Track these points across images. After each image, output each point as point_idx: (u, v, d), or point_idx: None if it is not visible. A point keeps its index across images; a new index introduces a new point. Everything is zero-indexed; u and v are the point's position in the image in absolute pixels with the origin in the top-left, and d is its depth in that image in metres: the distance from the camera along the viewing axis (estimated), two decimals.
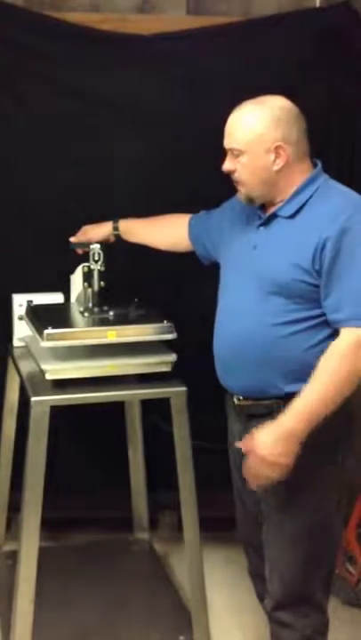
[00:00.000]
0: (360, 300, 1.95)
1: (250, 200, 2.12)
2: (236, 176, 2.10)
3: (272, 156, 2.03)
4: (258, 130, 2.03)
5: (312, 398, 1.96)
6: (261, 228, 2.13)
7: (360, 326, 1.95)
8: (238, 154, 2.06)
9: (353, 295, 1.96)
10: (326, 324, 2.02)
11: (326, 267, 1.96)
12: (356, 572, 2.90)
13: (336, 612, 2.40)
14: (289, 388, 2.06)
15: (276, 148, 2.02)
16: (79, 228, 2.65)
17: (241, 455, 2.21)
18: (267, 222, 2.12)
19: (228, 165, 2.10)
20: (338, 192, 2.07)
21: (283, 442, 1.95)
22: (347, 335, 1.96)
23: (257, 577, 2.32)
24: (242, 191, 2.11)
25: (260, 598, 2.34)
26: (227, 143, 2.09)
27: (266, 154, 2.03)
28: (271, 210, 2.12)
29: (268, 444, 1.96)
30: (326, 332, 2.03)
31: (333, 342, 1.98)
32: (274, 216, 2.11)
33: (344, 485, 2.16)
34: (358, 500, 2.95)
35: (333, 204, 2.01)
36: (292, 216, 2.06)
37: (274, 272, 2.03)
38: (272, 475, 1.98)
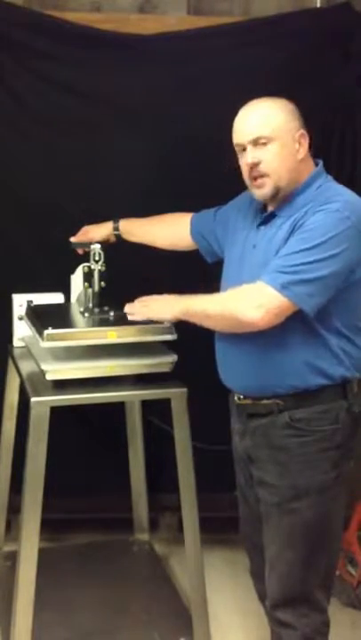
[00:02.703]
0: (288, 269, 1.95)
1: (276, 191, 2.07)
2: (260, 168, 2.06)
3: (296, 145, 2.05)
4: (284, 117, 2.05)
5: (204, 303, 2.10)
6: (261, 227, 2.13)
7: (269, 285, 1.96)
8: (266, 142, 2.04)
9: (286, 262, 1.96)
10: (325, 322, 2.02)
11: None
12: (357, 574, 2.89)
13: (337, 613, 2.40)
14: (288, 387, 2.06)
15: (301, 135, 2.05)
16: (79, 228, 2.65)
17: (244, 454, 2.21)
18: (266, 221, 2.12)
19: (253, 157, 2.05)
20: (336, 192, 2.07)
21: (170, 304, 2.18)
22: (255, 285, 1.99)
23: (258, 577, 2.31)
24: (267, 183, 2.06)
25: (261, 598, 2.33)
26: (249, 135, 2.05)
27: (292, 142, 2.05)
28: (271, 209, 2.12)
29: (166, 300, 2.21)
30: (325, 330, 2.02)
31: (247, 285, 2.02)
32: (273, 215, 2.11)
33: (344, 486, 2.15)
34: (359, 502, 2.94)
35: (323, 197, 2.02)
36: (290, 216, 2.06)
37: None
38: (144, 312, 2.24)
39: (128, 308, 2.29)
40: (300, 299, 1.95)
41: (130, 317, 2.28)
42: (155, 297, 2.26)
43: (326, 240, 1.94)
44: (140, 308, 2.26)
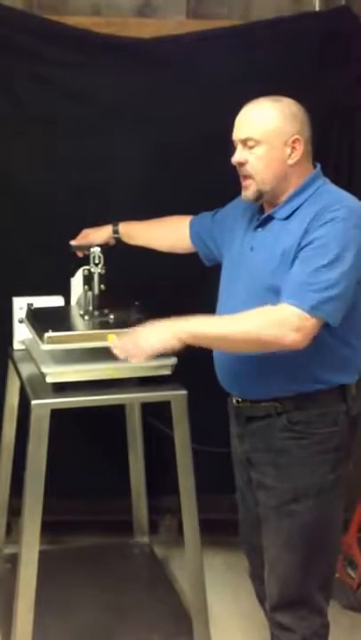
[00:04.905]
0: (313, 287, 1.93)
1: (258, 195, 2.08)
2: (246, 168, 2.07)
3: (288, 150, 2.04)
4: (277, 121, 2.03)
5: (220, 326, 1.99)
6: (259, 229, 2.14)
7: (298, 307, 1.92)
8: (254, 145, 2.04)
9: (309, 279, 1.94)
10: (325, 326, 2.02)
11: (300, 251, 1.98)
12: (357, 577, 2.90)
13: (337, 616, 2.40)
14: (287, 390, 2.07)
15: (294, 141, 2.03)
16: (79, 230, 2.66)
17: (243, 457, 2.21)
18: (263, 224, 2.12)
19: (239, 157, 2.07)
20: (332, 194, 2.07)
21: (165, 331, 1.97)
22: (283, 308, 1.94)
23: (258, 579, 2.32)
24: (251, 185, 2.08)
25: (261, 601, 2.34)
26: (240, 134, 2.06)
27: (283, 146, 2.03)
28: (268, 211, 2.12)
29: (157, 327, 1.98)
30: (323, 332, 2.02)
31: (271, 307, 1.96)
32: (270, 218, 2.11)
33: (344, 488, 2.15)
34: (359, 504, 2.94)
35: (325, 202, 2.01)
36: (287, 218, 2.06)
37: (268, 273, 2.04)
38: (135, 348, 1.99)
39: (120, 351, 2.05)
40: (330, 315, 1.95)
41: (127, 359, 2.04)
42: (142, 329, 2.03)
43: (342, 252, 1.94)
44: (135, 344, 2.01)
